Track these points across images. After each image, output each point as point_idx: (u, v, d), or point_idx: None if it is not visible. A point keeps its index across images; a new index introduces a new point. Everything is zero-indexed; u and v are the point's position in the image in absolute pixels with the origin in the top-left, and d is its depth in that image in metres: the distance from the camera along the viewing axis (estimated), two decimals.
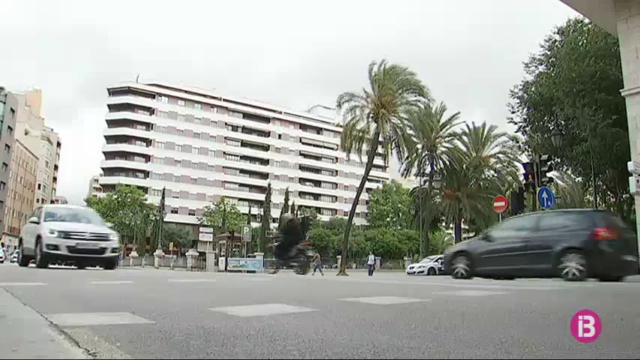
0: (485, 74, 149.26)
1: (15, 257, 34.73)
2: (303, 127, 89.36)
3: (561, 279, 8.80)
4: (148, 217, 67.51)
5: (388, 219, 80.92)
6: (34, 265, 11.57)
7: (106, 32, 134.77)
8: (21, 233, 14.87)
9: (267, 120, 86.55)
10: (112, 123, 77.60)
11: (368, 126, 33.45)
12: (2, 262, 30.82)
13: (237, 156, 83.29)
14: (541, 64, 24.57)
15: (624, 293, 5.60)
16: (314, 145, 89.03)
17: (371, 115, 33.12)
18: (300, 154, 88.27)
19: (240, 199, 77.89)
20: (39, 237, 11.31)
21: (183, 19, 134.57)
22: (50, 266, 11.24)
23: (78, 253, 11.23)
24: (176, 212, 72.86)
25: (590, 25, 21.59)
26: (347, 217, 39.42)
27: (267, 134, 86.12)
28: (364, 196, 70.64)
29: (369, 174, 35.02)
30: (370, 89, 33.29)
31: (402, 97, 33.57)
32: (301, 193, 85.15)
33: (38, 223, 12.02)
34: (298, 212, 68.35)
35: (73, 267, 11.86)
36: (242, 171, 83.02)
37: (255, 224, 64.44)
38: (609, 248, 8.98)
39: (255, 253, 36.43)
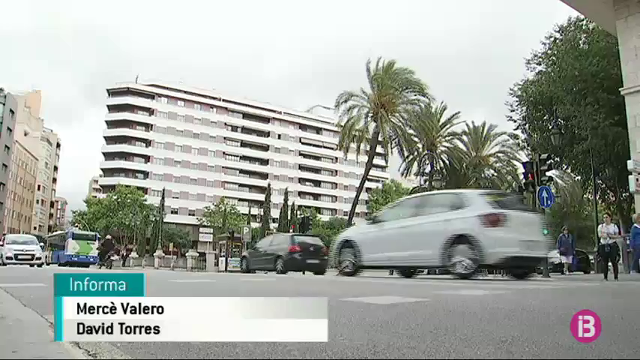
0: (486, 73, 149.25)
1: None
2: (302, 127, 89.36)
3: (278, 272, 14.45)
4: (147, 218, 67.46)
5: None
6: None
7: (106, 33, 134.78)
8: None
9: (266, 120, 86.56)
10: (111, 124, 77.61)
11: (367, 126, 33.47)
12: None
13: (237, 156, 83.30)
14: (540, 64, 24.60)
15: (624, 293, 5.60)
16: (314, 145, 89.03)
17: (370, 114, 33.13)
18: (300, 154, 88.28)
19: (240, 200, 77.88)
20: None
21: (184, 19, 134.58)
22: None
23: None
24: (176, 213, 72.84)
25: (592, 24, 21.59)
26: (347, 217, 39.40)
27: (266, 134, 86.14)
28: (364, 195, 70.67)
29: (369, 174, 35.02)
30: (369, 88, 33.31)
31: (401, 97, 33.57)
32: (301, 193, 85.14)
33: None
34: (298, 212, 68.37)
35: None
36: (242, 171, 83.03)
37: (255, 224, 64.41)
38: (298, 256, 15.51)
39: None
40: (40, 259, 22.70)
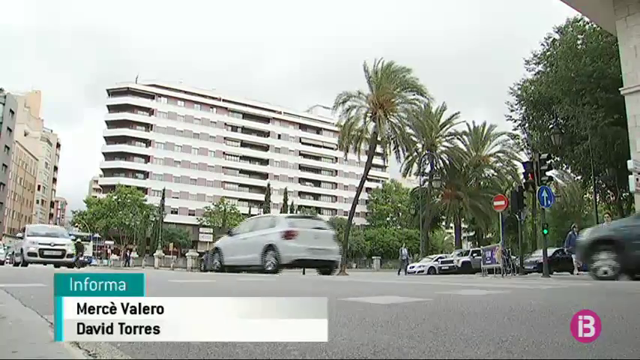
0: (486, 73, 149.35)
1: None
2: (302, 127, 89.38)
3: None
4: (147, 218, 67.49)
5: (388, 218, 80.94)
6: None
7: (106, 33, 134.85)
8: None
9: (266, 120, 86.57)
10: (111, 124, 77.61)
11: (366, 126, 33.40)
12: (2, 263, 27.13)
13: (237, 156, 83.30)
14: (539, 64, 24.61)
15: (624, 292, 5.60)
16: (313, 145, 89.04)
17: (369, 114, 33.08)
18: (300, 154, 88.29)
19: (239, 200, 77.92)
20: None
21: (183, 19, 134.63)
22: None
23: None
24: (176, 213, 72.87)
25: (589, 25, 21.63)
26: (347, 217, 39.40)
27: (266, 134, 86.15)
28: (364, 195, 70.64)
29: (369, 174, 34.99)
30: (367, 89, 33.28)
31: (399, 96, 33.52)
32: (301, 193, 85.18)
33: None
34: (298, 212, 68.41)
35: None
36: (242, 171, 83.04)
37: None
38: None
39: None
40: (72, 256, 17.49)
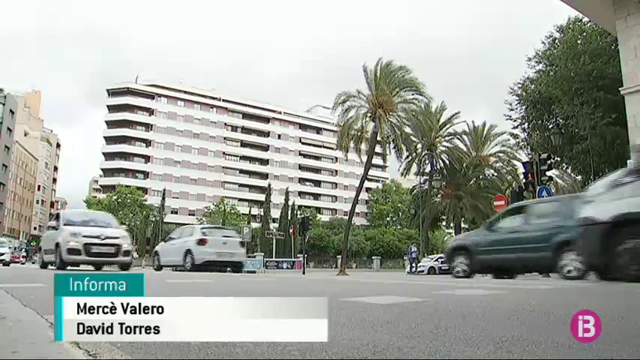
0: (487, 73, 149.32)
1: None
2: (302, 127, 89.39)
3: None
4: (147, 218, 67.47)
5: (388, 218, 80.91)
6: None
7: (106, 33, 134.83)
8: None
9: (266, 120, 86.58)
10: (111, 124, 77.61)
11: (365, 125, 33.34)
12: (9, 264, 26.34)
13: (237, 156, 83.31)
14: (539, 63, 24.61)
15: (624, 293, 5.60)
16: (313, 145, 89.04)
17: (368, 114, 33.03)
18: (300, 154, 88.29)
19: (240, 200, 77.91)
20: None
21: (184, 19, 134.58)
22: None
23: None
24: (176, 213, 72.85)
25: (588, 25, 21.63)
26: (347, 217, 39.37)
27: (266, 134, 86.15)
28: (364, 195, 70.62)
29: (369, 174, 34.97)
30: (366, 89, 33.24)
31: (399, 96, 33.48)
32: (301, 193, 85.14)
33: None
34: (298, 212, 68.41)
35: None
36: (242, 171, 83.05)
37: (255, 224, 64.44)
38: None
39: (255, 254, 36.46)
40: (128, 253, 12.30)
